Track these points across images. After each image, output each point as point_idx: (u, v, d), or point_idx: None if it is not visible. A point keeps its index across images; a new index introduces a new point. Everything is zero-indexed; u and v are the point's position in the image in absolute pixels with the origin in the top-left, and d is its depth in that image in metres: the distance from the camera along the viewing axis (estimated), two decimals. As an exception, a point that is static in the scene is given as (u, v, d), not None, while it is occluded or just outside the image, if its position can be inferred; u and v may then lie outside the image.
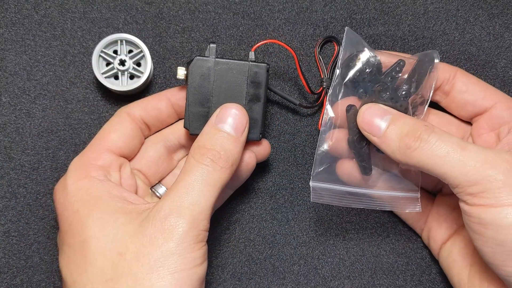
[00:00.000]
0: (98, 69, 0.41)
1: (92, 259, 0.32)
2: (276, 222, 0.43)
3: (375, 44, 0.44)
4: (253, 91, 0.38)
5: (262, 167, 0.43)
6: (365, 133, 0.36)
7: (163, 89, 0.43)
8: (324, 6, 0.44)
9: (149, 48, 0.42)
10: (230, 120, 0.36)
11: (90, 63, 0.42)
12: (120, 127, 0.38)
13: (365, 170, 0.39)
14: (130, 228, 0.32)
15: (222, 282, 0.42)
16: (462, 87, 0.39)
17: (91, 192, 0.34)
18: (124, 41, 0.41)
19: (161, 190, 0.40)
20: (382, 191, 0.39)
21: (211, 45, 0.37)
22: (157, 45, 0.43)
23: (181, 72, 0.38)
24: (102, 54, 0.41)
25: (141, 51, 0.42)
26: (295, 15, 0.44)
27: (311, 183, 0.38)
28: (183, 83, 0.39)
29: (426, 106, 0.39)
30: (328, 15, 0.44)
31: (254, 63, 0.37)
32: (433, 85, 0.38)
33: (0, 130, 0.42)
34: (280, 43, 0.40)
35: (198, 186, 0.33)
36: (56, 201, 0.35)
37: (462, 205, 0.33)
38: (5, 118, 0.42)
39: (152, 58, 0.43)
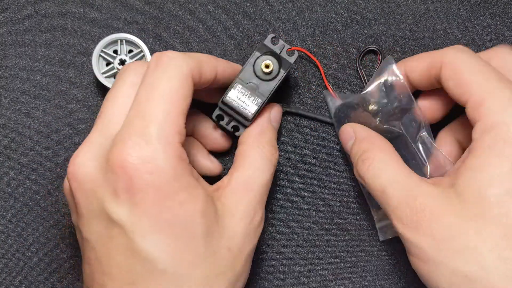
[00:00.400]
0: (98, 69, 0.41)
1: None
2: (276, 222, 0.42)
3: (375, 44, 0.44)
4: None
5: (262, 167, 0.43)
6: (344, 147, 0.40)
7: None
8: (324, 6, 0.44)
9: (149, 48, 0.42)
10: (279, 121, 0.41)
11: (90, 63, 0.42)
12: (188, 92, 0.34)
13: None
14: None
15: (222, 283, 0.42)
16: (446, 77, 0.37)
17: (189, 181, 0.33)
18: (124, 41, 0.41)
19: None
20: None
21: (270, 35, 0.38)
22: (157, 45, 0.43)
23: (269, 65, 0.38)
24: (102, 54, 0.41)
25: (141, 51, 0.42)
26: (295, 15, 0.44)
27: (377, 225, 0.41)
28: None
29: (415, 103, 0.39)
30: (328, 15, 0.44)
31: (288, 59, 0.39)
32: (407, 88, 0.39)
33: (0, 130, 0.42)
34: (307, 52, 0.42)
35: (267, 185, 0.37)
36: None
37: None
38: (5, 118, 0.42)
39: (152, 58, 0.43)
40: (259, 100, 0.38)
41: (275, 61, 0.38)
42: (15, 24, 0.43)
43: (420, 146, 0.40)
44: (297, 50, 0.39)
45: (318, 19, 0.44)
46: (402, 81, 0.39)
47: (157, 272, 0.31)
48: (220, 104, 0.38)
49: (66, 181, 0.35)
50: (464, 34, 0.44)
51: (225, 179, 0.36)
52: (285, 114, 0.43)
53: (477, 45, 0.43)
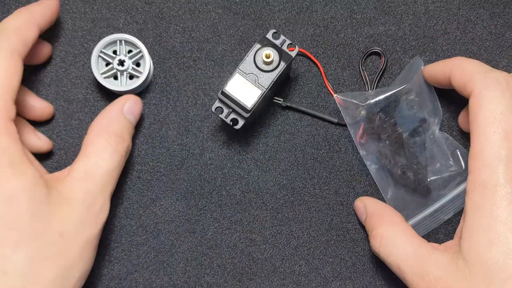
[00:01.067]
0: (98, 69, 0.41)
1: None
2: (276, 222, 0.42)
3: (376, 44, 0.44)
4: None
5: (262, 167, 0.43)
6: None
7: (163, 89, 0.43)
8: (324, 6, 0.44)
9: (149, 48, 0.42)
10: (137, 114, 0.40)
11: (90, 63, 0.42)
12: (16, 69, 0.35)
13: (426, 192, 0.41)
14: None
15: (222, 283, 0.42)
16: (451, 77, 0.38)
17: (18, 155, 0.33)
18: (123, 41, 0.41)
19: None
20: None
21: (271, 30, 0.39)
22: (157, 45, 0.43)
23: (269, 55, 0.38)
24: (101, 55, 0.41)
25: (140, 51, 0.42)
26: (295, 15, 0.44)
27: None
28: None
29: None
30: (328, 15, 0.44)
31: (287, 51, 0.39)
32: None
33: (1, 130, 0.42)
34: (307, 53, 0.42)
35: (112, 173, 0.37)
36: None
37: None
38: (6, 118, 0.42)
39: (152, 58, 0.43)
40: (259, 91, 0.38)
41: (276, 52, 0.38)
42: (16, 25, 0.43)
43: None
44: (297, 46, 0.39)
45: (318, 19, 0.44)
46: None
47: None
48: (219, 95, 0.38)
49: None
50: (464, 34, 0.44)
51: (65, 170, 0.36)
52: (285, 109, 0.43)
53: (477, 45, 0.43)
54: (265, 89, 0.38)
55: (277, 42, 0.38)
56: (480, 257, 0.32)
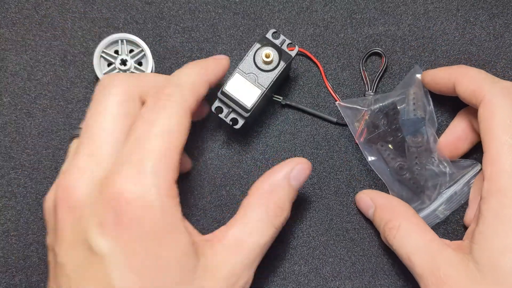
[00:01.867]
0: (100, 70, 0.41)
1: None
2: (276, 222, 0.43)
3: (375, 44, 0.44)
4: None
5: (262, 167, 0.43)
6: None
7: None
8: (324, 6, 0.44)
9: (149, 48, 0.42)
10: (303, 181, 0.36)
11: (91, 63, 0.42)
12: (187, 126, 0.33)
13: (419, 192, 0.41)
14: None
15: (222, 283, 0.42)
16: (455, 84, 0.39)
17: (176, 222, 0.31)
18: (124, 41, 0.42)
19: None
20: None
21: (272, 30, 0.39)
22: (157, 45, 0.43)
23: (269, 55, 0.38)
24: (103, 55, 0.41)
25: (142, 50, 0.42)
26: (295, 15, 0.44)
27: None
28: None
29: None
30: (328, 15, 0.44)
31: (287, 50, 0.39)
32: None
33: (1, 130, 0.42)
34: (307, 53, 0.43)
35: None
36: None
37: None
38: (6, 118, 0.42)
39: (153, 58, 0.43)
40: (259, 91, 0.38)
41: (275, 52, 0.38)
42: (16, 24, 0.43)
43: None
44: (297, 46, 0.39)
45: (318, 19, 0.44)
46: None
47: None
48: (219, 94, 0.38)
49: (48, 200, 0.33)
50: (463, 34, 0.44)
51: (219, 232, 0.34)
52: (284, 107, 0.43)
53: (476, 46, 0.44)
54: (265, 89, 0.38)
55: (277, 41, 0.39)
56: (493, 262, 0.32)
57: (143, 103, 0.33)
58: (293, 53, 0.39)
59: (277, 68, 0.38)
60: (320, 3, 0.44)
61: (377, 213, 0.40)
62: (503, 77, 0.43)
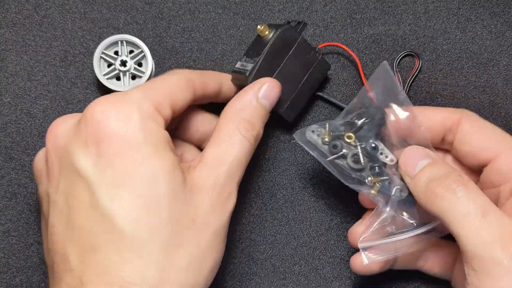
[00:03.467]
0: (100, 71, 0.41)
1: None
2: (276, 222, 0.42)
3: (375, 44, 0.44)
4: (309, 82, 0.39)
5: (262, 167, 0.43)
6: (402, 173, 0.35)
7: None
8: (324, 6, 0.44)
9: (149, 49, 0.42)
10: (273, 100, 0.37)
11: (91, 64, 0.42)
12: (187, 90, 0.35)
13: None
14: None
15: (222, 283, 0.42)
16: (462, 137, 0.36)
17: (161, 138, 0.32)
18: (124, 42, 0.42)
19: None
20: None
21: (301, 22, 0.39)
22: (157, 45, 0.43)
23: (263, 29, 0.38)
24: (103, 56, 0.41)
25: (142, 51, 0.42)
26: (295, 15, 0.44)
27: (360, 245, 0.36)
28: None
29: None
30: (328, 15, 0.44)
31: (323, 59, 0.39)
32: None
33: (1, 130, 0.42)
34: (344, 47, 0.42)
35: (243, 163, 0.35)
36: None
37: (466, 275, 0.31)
38: (6, 118, 0.43)
39: (153, 59, 0.43)
40: (255, 59, 0.38)
41: (273, 28, 0.38)
42: (16, 25, 0.43)
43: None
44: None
45: (318, 19, 0.44)
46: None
47: (116, 235, 0.29)
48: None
49: (39, 153, 0.35)
50: (464, 33, 0.44)
51: (198, 156, 0.35)
52: (316, 99, 0.43)
53: (477, 44, 0.43)
54: (261, 55, 0.37)
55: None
56: None
57: None
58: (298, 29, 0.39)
59: (272, 38, 0.38)
60: (320, 3, 0.44)
61: (432, 168, 0.34)
62: (505, 75, 0.43)
